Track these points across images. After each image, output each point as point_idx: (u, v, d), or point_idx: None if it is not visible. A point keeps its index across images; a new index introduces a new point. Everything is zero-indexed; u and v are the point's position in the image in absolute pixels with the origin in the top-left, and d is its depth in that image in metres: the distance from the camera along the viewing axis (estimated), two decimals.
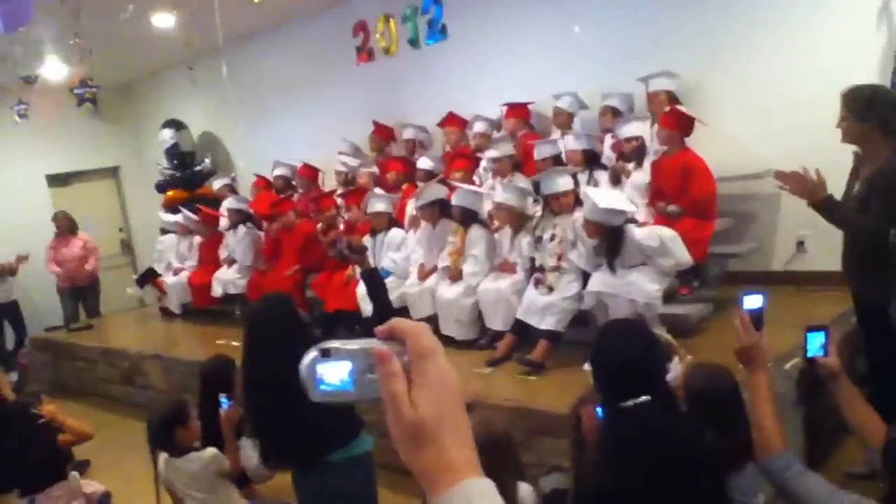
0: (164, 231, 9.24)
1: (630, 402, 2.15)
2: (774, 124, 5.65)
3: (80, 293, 9.26)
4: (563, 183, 4.94)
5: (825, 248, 3.58)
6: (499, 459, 2.62)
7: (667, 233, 4.65)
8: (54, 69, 8.28)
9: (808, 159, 3.44)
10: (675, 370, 2.97)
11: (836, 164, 3.50)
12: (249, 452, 3.44)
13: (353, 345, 0.83)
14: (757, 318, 2.14)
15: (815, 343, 2.23)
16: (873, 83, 3.49)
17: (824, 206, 3.26)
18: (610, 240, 4.52)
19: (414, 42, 8.22)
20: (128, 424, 6.25)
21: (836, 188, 3.46)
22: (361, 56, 8.75)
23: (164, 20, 7.95)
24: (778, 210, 5.80)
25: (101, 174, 11.87)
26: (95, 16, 6.99)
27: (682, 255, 4.59)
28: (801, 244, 5.64)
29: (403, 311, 5.75)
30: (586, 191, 4.86)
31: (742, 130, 5.80)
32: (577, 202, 4.97)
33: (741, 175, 5.69)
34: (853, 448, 3.81)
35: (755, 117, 5.79)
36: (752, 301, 2.15)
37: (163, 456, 3.62)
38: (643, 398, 2.14)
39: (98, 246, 9.53)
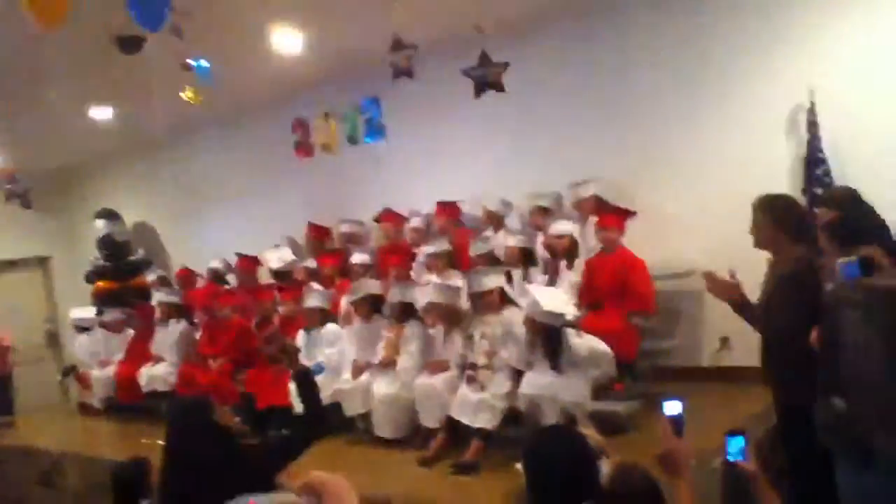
0: (79, 329, 8.97)
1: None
2: (698, 227, 5.92)
3: None
4: (488, 281, 5.02)
5: (749, 344, 3.70)
6: None
7: (599, 346, 4.72)
8: None
9: (731, 261, 3.61)
10: (603, 470, 2.98)
11: (757, 265, 3.67)
12: None
13: (271, 499, 0.83)
14: (677, 423, 2.18)
15: (735, 447, 2.28)
16: (783, 192, 3.70)
17: (738, 306, 3.42)
18: (548, 339, 4.59)
19: (352, 139, 8.38)
20: None
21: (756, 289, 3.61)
22: (300, 151, 8.85)
23: (101, 112, 7.97)
24: (703, 307, 6.00)
25: (29, 264, 11.51)
26: (28, 103, 7.02)
27: (610, 369, 4.70)
28: (725, 340, 5.81)
29: (335, 408, 5.68)
30: (529, 288, 4.96)
31: (667, 231, 6.04)
32: (508, 300, 5.05)
33: (670, 273, 5.90)
34: None
35: (680, 220, 6.06)
36: (672, 407, 2.19)
37: None
38: None
39: (19, 339, 9.16)
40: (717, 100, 5.98)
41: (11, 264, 11.18)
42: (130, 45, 5.15)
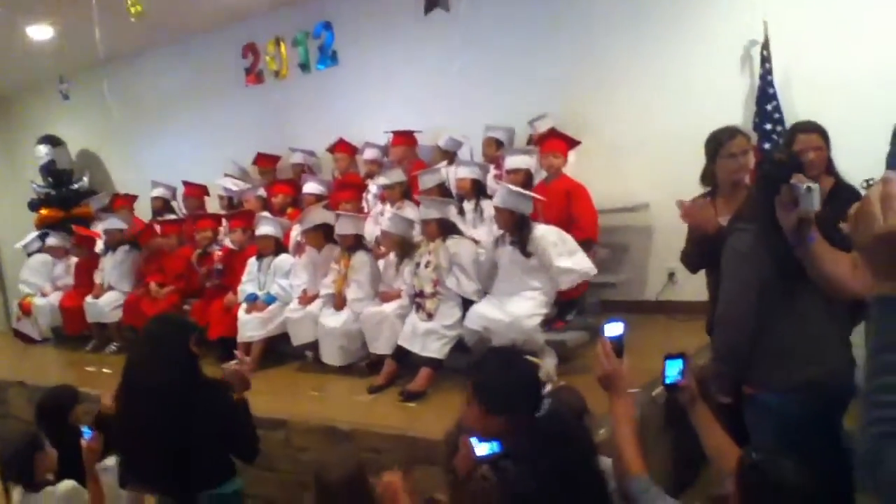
0: (30, 253, 8.73)
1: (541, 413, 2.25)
2: (649, 161, 5.96)
3: None
4: (433, 211, 4.98)
5: (695, 279, 3.74)
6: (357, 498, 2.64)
7: (570, 237, 4.72)
8: None
9: (680, 194, 3.60)
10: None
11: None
12: (111, 482, 3.29)
13: None
14: (618, 345, 2.21)
15: (674, 370, 2.32)
16: (730, 125, 3.69)
17: (708, 238, 3.21)
18: (519, 230, 4.58)
19: (305, 66, 8.20)
20: None
21: None
22: (250, 78, 8.65)
23: (40, 31, 7.63)
24: (650, 242, 6.09)
25: None
26: None
27: (583, 261, 4.60)
28: (671, 275, 5.92)
29: (284, 338, 5.68)
30: (498, 184, 4.96)
31: (619, 165, 6.10)
32: (455, 230, 5.04)
33: (620, 207, 5.95)
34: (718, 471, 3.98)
35: (631, 153, 6.10)
36: (613, 329, 2.22)
37: (17, 490, 3.39)
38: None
39: None
40: (672, 33, 5.99)
41: None
42: None
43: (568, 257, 4.51)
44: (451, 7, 6.17)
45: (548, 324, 4.84)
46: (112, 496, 3.38)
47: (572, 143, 5.66)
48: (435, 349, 4.72)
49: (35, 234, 8.84)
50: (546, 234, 4.57)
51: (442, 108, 7.04)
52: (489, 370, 2.50)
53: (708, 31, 5.79)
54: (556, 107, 6.23)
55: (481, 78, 6.89)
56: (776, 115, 5.18)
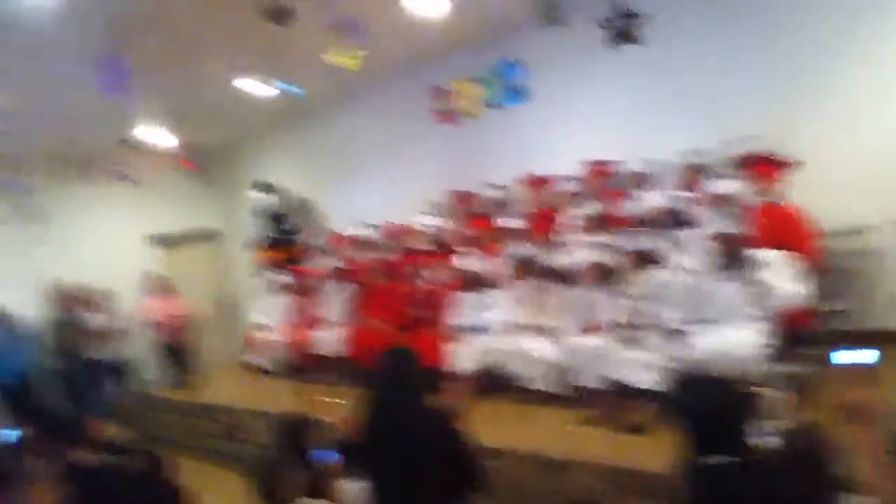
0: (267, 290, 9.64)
1: (708, 461, 2.22)
2: (864, 184, 5.64)
3: (174, 351, 9.70)
4: (641, 242, 4.99)
5: None
6: None
7: (790, 262, 4.58)
8: (151, 133, 8.85)
9: None
10: (775, 427, 2.98)
11: None
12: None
13: None
14: (865, 373, 2.16)
15: None
16: None
17: None
18: (735, 256, 4.56)
19: (493, 103, 8.45)
20: (229, 477, 6.51)
21: None
22: (440, 117, 9.01)
23: (252, 86, 8.37)
24: (879, 267, 5.70)
25: (199, 236, 12.42)
26: (187, 82, 7.54)
27: (805, 287, 4.48)
28: None
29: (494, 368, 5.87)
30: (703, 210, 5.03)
31: (838, 185, 5.73)
32: (653, 260, 5.01)
33: (842, 230, 5.64)
34: None
35: (851, 172, 5.76)
36: (859, 357, 2.16)
37: None
38: (720, 458, 2.21)
39: (194, 306, 9.97)
40: (872, 58, 5.69)
41: (186, 238, 12.13)
42: (281, 16, 5.45)
43: (790, 283, 4.37)
44: (643, 38, 6.16)
45: (775, 354, 4.69)
46: None
47: (786, 164, 5.45)
48: (650, 380, 4.72)
49: (263, 272, 9.69)
50: (765, 258, 4.46)
51: (633, 136, 7.03)
52: (699, 398, 2.46)
53: None
54: (761, 127, 6.01)
55: (674, 103, 6.83)
56: None
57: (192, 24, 6.10)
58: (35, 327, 9.04)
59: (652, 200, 6.05)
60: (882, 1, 5.64)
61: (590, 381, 5.19)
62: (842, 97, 5.89)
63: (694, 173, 6.14)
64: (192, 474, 4.88)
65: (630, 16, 5.15)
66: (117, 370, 9.44)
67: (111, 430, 7.10)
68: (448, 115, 8.96)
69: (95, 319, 9.30)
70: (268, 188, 11.01)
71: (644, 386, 4.73)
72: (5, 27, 5.30)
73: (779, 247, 4.87)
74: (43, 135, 8.85)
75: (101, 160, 9.75)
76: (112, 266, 10.34)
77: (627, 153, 6.86)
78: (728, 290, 4.57)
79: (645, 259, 5.07)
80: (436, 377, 5.80)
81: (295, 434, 4.28)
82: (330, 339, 7.62)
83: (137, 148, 8.97)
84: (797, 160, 5.47)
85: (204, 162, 11.49)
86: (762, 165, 5.41)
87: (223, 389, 8.75)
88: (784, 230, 5.13)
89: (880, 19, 5.68)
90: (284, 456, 4.12)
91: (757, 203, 5.45)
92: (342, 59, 6.46)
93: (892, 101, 5.60)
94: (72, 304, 9.23)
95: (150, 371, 9.80)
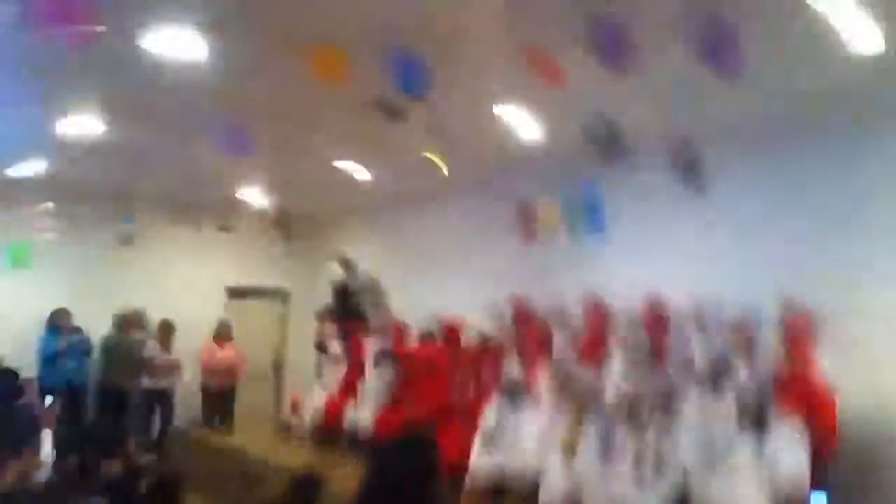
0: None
1: None
2: None
3: (221, 396, 10.07)
4: (676, 385, 5.06)
5: None
6: None
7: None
8: (253, 193, 9.57)
9: None
10: None
11: None
12: None
13: None
14: None
15: None
16: None
17: None
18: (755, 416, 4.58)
19: (572, 229, 8.66)
20: None
21: None
22: (523, 235, 9.27)
23: (360, 172, 8.95)
24: None
25: (270, 293, 12.99)
26: (293, 155, 8.17)
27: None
28: None
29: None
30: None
31: (875, 370, 5.67)
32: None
33: (873, 416, 5.53)
34: None
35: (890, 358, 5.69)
36: None
37: None
38: None
39: (251, 360, 10.38)
40: None
41: (258, 293, 12.71)
42: (394, 113, 5.93)
43: (799, 457, 4.39)
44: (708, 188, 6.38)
45: None
46: None
47: (820, 334, 5.46)
48: None
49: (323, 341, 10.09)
50: (782, 428, 4.49)
51: (701, 279, 7.08)
52: None
53: None
54: (816, 291, 5.96)
55: (742, 250, 6.97)
56: None
57: (309, 105, 6.66)
58: (90, 341, 9.63)
59: (699, 347, 6.12)
60: None
61: None
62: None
63: (742, 329, 6.18)
64: None
65: (694, 166, 5.36)
66: (163, 402, 9.85)
67: (146, 457, 7.47)
68: (531, 234, 9.20)
69: (150, 348, 9.81)
70: (346, 263, 11.49)
71: None
72: (162, 72, 5.87)
73: (799, 418, 4.87)
74: (155, 175, 9.70)
75: (207, 209, 10.52)
76: (186, 304, 10.93)
77: (692, 294, 6.95)
78: (743, 450, 4.57)
79: (674, 403, 5.13)
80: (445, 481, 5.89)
81: (306, 491, 4.49)
82: (363, 415, 7.81)
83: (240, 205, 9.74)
84: (827, 331, 5.44)
85: (295, 227, 12.19)
86: (795, 331, 5.43)
87: (252, 441, 8.97)
88: (807, 403, 5.09)
89: None
90: None
91: (787, 371, 5.47)
92: (438, 159, 6.96)
93: None
94: (130, 327, 9.78)
95: (192, 409, 10.18)
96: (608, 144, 5.52)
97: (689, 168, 5.41)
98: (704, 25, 4.05)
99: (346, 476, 6.52)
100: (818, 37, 4.76)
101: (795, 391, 5.16)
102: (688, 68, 4.42)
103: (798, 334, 5.48)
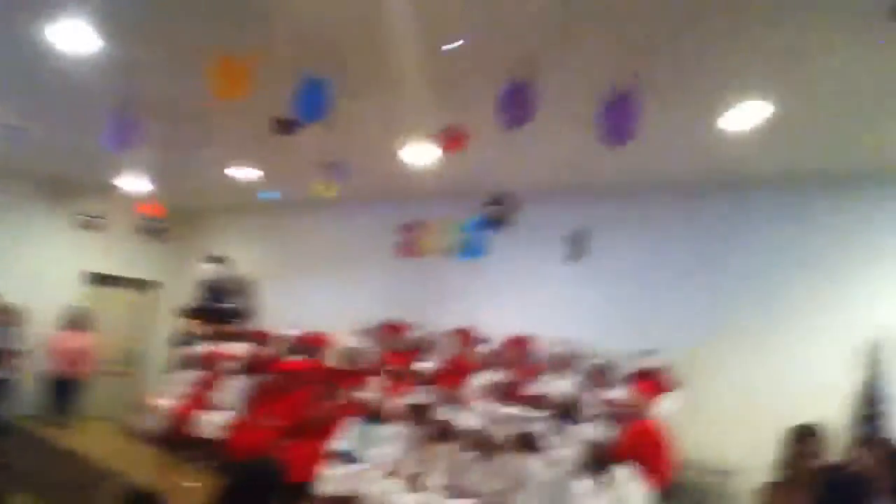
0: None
1: None
2: (746, 429, 5.92)
3: (66, 387, 9.48)
4: (530, 425, 5.17)
5: None
6: None
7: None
8: (131, 182, 9.12)
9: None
10: None
11: None
12: None
13: None
14: None
15: None
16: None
17: None
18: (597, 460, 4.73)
19: (453, 251, 8.75)
20: None
21: None
22: (401, 250, 9.30)
23: (247, 172, 8.67)
24: None
25: (132, 283, 12.26)
26: (181, 156, 7.88)
27: None
28: None
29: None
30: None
31: (716, 426, 6.04)
32: (535, 448, 5.18)
33: (708, 469, 5.87)
34: None
35: (730, 417, 6.08)
36: None
37: None
38: None
39: (111, 351, 9.83)
40: (789, 324, 6.25)
41: (118, 282, 12.03)
42: (286, 128, 5.83)
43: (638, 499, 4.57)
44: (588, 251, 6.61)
45: None
46: None
47: (667, 386, 5.74)
48: None
49: (182, 340, 9.69)
50: (622, 473, 4.66)
51: (569, 324, 7.35)
52: None
53: (824, 329, 5.98)
54: (672, 347, 6.41)
55: (608, 305, 7.27)
56: (877, 423, 5.11)
57: (205, 113, 6.42)
58: None
59: (558, 387, 6.28)
60: (813, 259, 6.22)
61: None
62: (743, 345, 6.38)
63: (598, 374, 6.42)
64: None
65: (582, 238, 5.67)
66: (3, 389, 9.20)
67: None
68: (410, 249, 9.26)
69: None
70: (218, 261, 11.14)
71: None
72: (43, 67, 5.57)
73: (637, 461, 5.09)
74: (34, 159, 9.20)
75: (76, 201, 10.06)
76: (41, 290, 10.26)
77: (557, 336, 7.17)
78: (586, 494, 4.72)
79: (528, 442, 5.23)
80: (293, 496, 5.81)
81: None
82: (215, 422, 7.55)
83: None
84: (678, 385, 5.80)
85: (169, 220, 11.72)
86: (642, 379, 5.71)
87: (93, 441, 8.50)
88: (644, 446, 5.33)
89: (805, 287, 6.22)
90: None
91: (630, 416, 5.71)
92: (323, 190, 6.91)
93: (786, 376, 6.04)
94: None
95: (31, 400, 9.55)
96: (503, 214, 5.83)
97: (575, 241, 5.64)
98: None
99: (184, 492, 6.31)
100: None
101: (637, 431, 5.36)
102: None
103: (647, 381, 5.72)
